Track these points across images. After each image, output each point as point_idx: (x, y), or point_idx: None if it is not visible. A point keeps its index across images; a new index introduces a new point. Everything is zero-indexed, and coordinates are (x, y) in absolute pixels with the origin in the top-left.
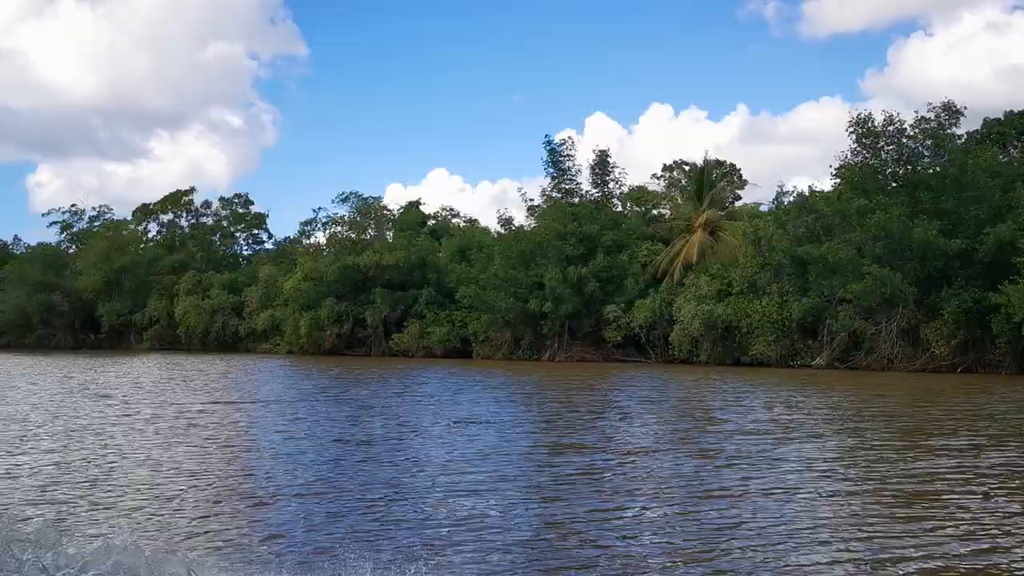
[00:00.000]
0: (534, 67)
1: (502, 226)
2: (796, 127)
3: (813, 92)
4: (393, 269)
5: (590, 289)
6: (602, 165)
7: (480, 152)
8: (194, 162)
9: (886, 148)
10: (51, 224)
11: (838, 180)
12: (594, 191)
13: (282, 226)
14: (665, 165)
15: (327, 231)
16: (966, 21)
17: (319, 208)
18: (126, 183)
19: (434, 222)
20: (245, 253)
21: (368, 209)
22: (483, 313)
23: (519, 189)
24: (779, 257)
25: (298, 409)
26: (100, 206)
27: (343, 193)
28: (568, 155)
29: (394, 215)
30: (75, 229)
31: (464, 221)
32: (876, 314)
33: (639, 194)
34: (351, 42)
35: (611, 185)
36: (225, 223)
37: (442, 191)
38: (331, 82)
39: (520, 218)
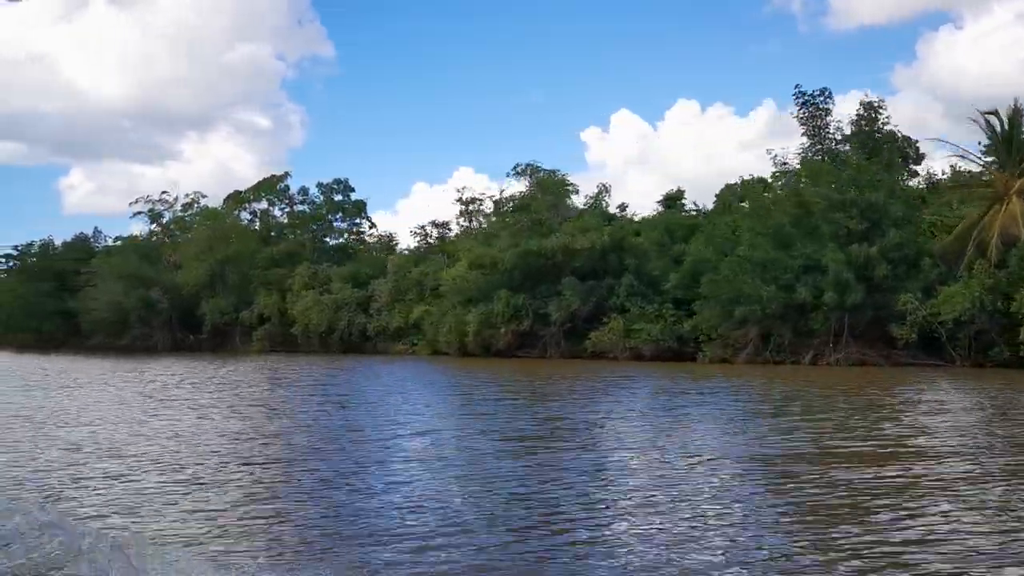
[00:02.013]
0: (557, 65)
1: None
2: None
3: (841, 86)
4: (582, 255)
5: (881, 273)
6: (870, 121)
7: (505, 150)
8: (222, 163)
9: None
10: (135, 215)
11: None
12: (861, 153)
13: None
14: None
15: (502, 209)
16: (996, 13)
17: (463, 187)
18: (156, 185)
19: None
20: (341, 243)
21: (550, 185)
22: (721, 306)
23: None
24: None
25: None
26: (194, 192)
27: (518, 166)
28: (826, 109)
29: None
30: (165, 219)
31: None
32: None
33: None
34: (376, 42)
35: (884, 146)
36: (323, 211)
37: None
38: (357, 82)
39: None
